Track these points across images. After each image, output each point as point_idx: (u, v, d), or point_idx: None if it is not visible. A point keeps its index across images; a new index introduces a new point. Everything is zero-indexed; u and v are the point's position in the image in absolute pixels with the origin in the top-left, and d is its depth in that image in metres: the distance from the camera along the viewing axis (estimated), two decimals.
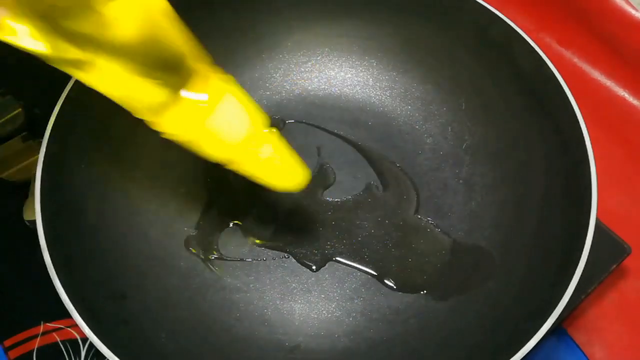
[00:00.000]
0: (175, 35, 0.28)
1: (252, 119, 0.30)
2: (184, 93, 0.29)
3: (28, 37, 0.25)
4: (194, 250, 0.40)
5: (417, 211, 0.41)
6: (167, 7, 0.28)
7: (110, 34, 0.26)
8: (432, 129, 0.44)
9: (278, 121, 0.45)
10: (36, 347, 0.41)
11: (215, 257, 0.40)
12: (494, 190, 0.41)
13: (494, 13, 0.39)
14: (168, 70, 0.28)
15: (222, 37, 0.44)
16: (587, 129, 0.34)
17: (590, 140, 0.34)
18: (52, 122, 0.35)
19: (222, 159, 0.31)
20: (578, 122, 0.34)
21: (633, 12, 0.49)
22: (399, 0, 0.42)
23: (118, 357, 0.29)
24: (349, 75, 0.47)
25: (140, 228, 0.39)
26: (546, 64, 0.37)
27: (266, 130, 0.31)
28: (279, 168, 0.32)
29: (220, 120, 0.30)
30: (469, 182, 0.42)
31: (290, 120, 0.45)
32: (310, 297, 0.39)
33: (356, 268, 0.40)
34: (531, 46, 0.37)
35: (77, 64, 0.27)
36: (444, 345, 0.35)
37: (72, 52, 0.26)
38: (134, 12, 0.26)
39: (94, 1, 0.25)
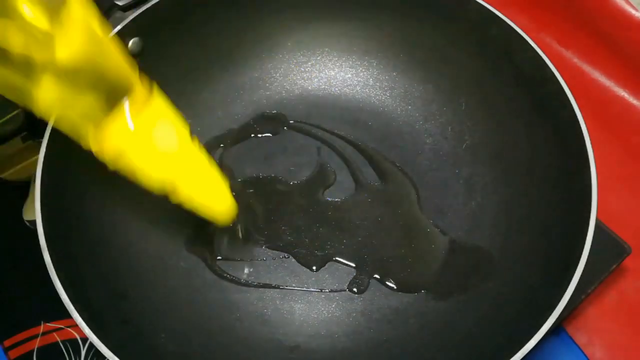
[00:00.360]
0: (111, 59, 0.29)
1: (180, 132, 0.33)
2: (120, 112, 0.31)
3: None
4: (194, 251, 0.40)
5: (417, 211, 0.41)
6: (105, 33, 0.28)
7: (49, 56, 0.26)
8: (432, 129, 0.44)
9: (278, 121, 0.45)
10: (36, 347, 0.41)
11: (215, 257, 0.40)
12: (494, 190, 0.41)
13: (494, 13, 0.39)
14: (104, 91, 0.30)
15: (222, 37, 0.44)
16: (587, 129, 0.34)
17: (590, 140, 0.34)
18: (52, 122, 0.35)
19: (162, 180, 0.33)
20: (578, 122, 0.35)
21: (633, 12, 0.49)
22: (399, 0, 0.42)
23: (118, 357, 0.29)
24: (349, 75, 0.47)
25: (141, 228, 0.39)
26: (546, 63, 0.37)
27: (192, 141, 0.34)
28: (211, 187, 0.35)
29: (154, 137, 0.32)
30: (469, 182, 0.42)
31: (290, 121, 0.45)
32: (310, 297, 0.39)
33: (356, 268, 0.40)
34: (531, 46, 0.37)
35: (17, 88, 0.27)
36: (443, 345, 0.35)
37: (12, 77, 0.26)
38: (73, 36, 0.27)
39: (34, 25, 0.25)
